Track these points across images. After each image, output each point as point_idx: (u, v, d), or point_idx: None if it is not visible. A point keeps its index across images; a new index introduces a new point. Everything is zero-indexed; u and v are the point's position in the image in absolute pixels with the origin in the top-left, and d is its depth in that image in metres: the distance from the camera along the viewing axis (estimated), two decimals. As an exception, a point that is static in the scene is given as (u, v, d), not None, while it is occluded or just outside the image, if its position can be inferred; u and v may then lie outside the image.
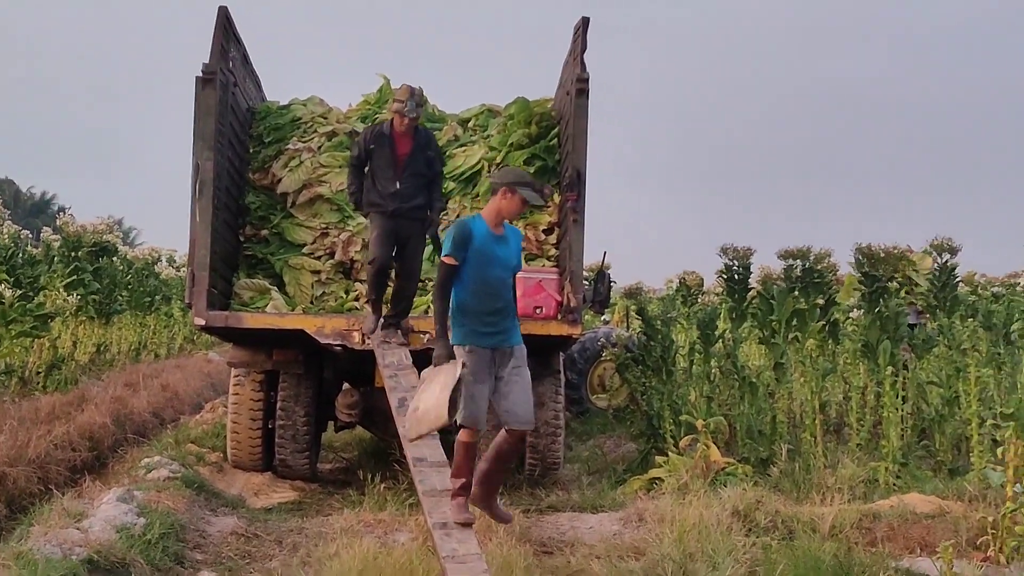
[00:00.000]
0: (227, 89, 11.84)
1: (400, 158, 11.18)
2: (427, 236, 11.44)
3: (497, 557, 8.21)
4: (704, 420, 11.92)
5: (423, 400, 8.06)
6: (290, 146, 12.97)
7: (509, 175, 8.27)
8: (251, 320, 11.41)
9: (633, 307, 18.56)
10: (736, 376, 14.37)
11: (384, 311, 11.27)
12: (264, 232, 12.82)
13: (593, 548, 8.98)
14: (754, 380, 14.23)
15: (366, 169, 11.33)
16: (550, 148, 12.95)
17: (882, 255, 13.25)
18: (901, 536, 8.93)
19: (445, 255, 8.11)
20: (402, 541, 9.04)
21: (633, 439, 15.03)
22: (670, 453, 12.16)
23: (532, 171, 12.69)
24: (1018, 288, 22.18)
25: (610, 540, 9.27)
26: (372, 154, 11.22)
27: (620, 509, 10.50)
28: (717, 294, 23.94)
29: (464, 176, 13.10)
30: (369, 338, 10.94)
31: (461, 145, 13.44)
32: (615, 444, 15.67)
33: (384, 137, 11.19)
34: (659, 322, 15.08)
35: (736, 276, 16.13)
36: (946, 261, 16.74)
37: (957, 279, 18.00)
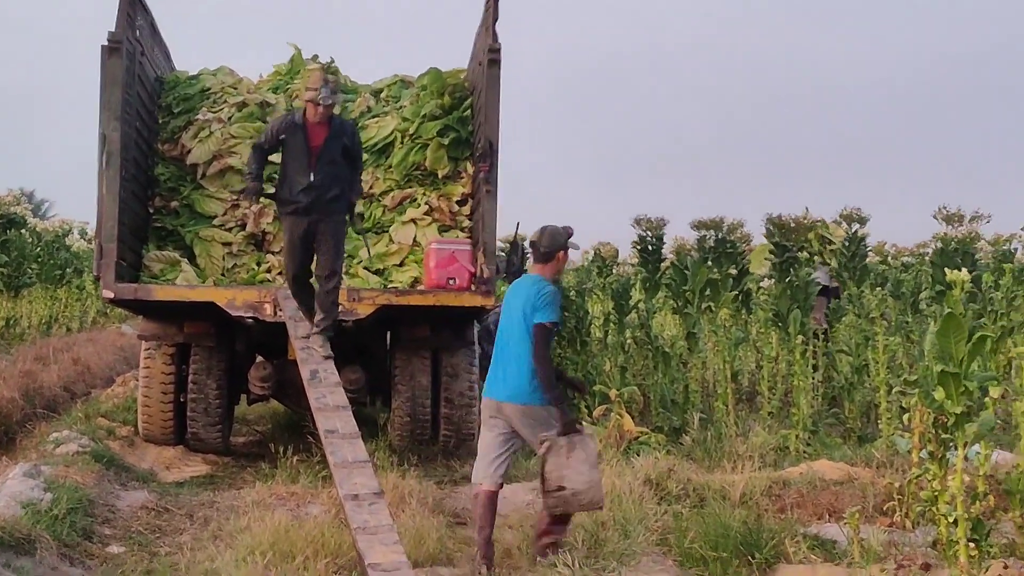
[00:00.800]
0: (134, 58, 11.63)
1: (314, 149, 10.32)
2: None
3: (410, 528, 8.21)
4: (618, 390, 11.98)
5: (572, 480, 7.60)
6: (199, 117, 12.77)
7: (561, 236, 8.14)
8: (160, 292, 11.25)
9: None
10: (650, 346, 14.47)
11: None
12: (174, 204, 12.62)
13: (506, 518, 8.98)
14: (667, 350, 14.33)
15: (276, 161, 10.79)
16: (463, 119, 12.88)
17: (792, 225, 13.38)
18: (810, 503, 9.04)
19: (552, 321, 7.87)
20: (314, 514, 9.00)
21: (548, 409, 14.99)
22: (584, 422, 12.20)
23: (446, 143, 12.65)
24: (926, 258, 22.48)
25: (523, 510, 9.31)
26: (284, 145, 10.46)
27: (534, 479, 10.51)
28: (632, 265, 24.04)
29: (377, 147, 12.99)
30: (281, 311, 10.84)
31: (374, 116, 13.32)
32: (530, 414, 15.61)
33: (296, 127, 10.35)
34: (573, 293, 15.11)
35: (650, 247, 16.23)
36: (855, 231, 16.94)
37: (867, 249, 18.24)
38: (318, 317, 10.42)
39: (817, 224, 13.78)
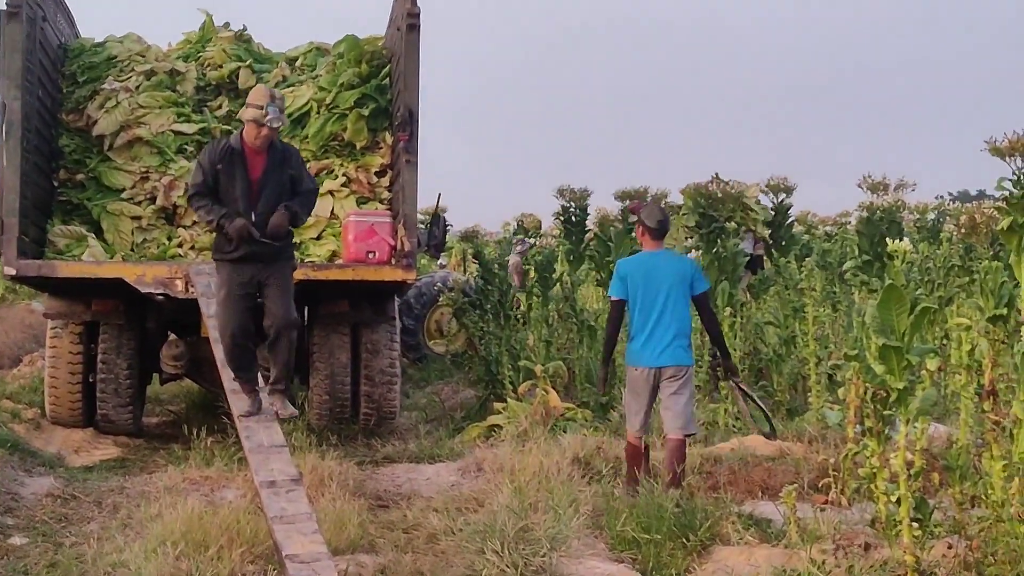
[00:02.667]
0: (35, 24, 11.13)
1: (255, 181, 8.71)
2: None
3: (330, 513, 7.90)
4: (542, 365, 11.72)
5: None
6: (106, 86, 12.24)
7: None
8: (66, 269, 10.82)
9: (470, 251, 18.24)
10: (574, 319, 14.22)
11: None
12: (80, 176, 12.11)
13: (431, 500, 8.75)
14: (592, 323, 14.09)
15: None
16: (382, 87, 12.52)
17: (719, 195, 13.15)
18: (743, 480, 8.84)
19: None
20: (229, 499, 8.69)
21: (472, 385, 14.79)
22: (509, 399, 11.97)
23: (366, 113, 12.26)
24: (848, 227, 22.44)
25: (448, 491, 9.05)
26: (218, 177, 8.66)
27: (458, 459, 10.29)
28: (555, 236, 23.79)
29: (293, 117, 12.58)
30: (193, 287, 10.41)
31: (289, 85, 12.91)
32: (453, 391, 15.39)
33: (234, 154, 8.66)
34: (496, 266, 14.81)
35: (573, 218, 15.96)
36: (781, 200, 16.80)
37: (791, 219, 18.12)
38: (274, 374, 8.92)
39: (743, 191, 13.48)
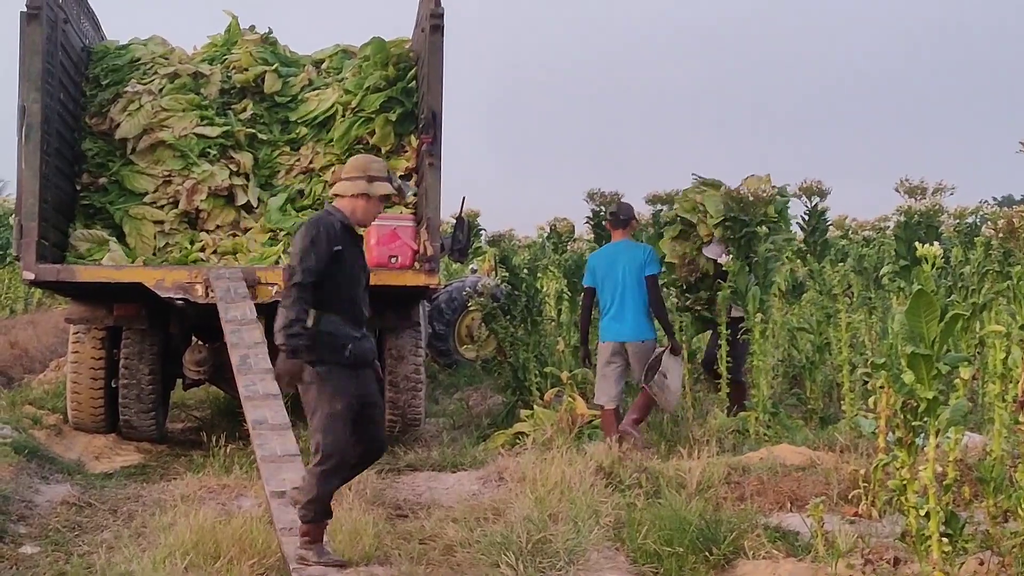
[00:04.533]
0: (56, 26, 11.04)
1: (367, 267, 7.49)
2: None
3: (346, 523, 7.71)
4: (569, 372, 11.52)
5: (673, 379, 11.00)
6: (129, 89, 12.10)
7: (631, 206, 11.53)
8: (85, 273, 10.72)
9: (497, 255, 18.08)
10: (604, 326, 14.00)
11: None
12: (102, 180, 11.98)
13: (450, 510, 8.53)
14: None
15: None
16: (408, 90, 12.35)
17: (751, 199, 12.85)
18: (771, 490, 8.60)
19: (659, 271, 11.14)
20: (245, 507, 8.50)
21: (500, 391, 14.61)
22: (535, 406, 11.77)
23: (394, 118, 12.10)
24: (887, 231, 22.10)
25: (468, 501, 8.84)
26: (336, 261, 6.97)
27: (481, 467, 10.09)
28: (587, 241, 23.53)
29: (318, 121, 12.48)
30: (213, 292, 10.28)
31: (314, 88, 12.79)
32: (482, 397, 15.23)
33: (351, 234, 7.23)
34: (524, 270, 14.62)
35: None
36: (816, 204, 16.51)
37: (828, 223, 17.81)
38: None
39: (776, 194, 12.85)
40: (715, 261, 11.83)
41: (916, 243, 6.47)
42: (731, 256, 11.66)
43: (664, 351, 10.88)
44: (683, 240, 12.34)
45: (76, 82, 12.05)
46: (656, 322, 11.07)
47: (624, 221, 11.16)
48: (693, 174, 12.42)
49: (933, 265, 6.08)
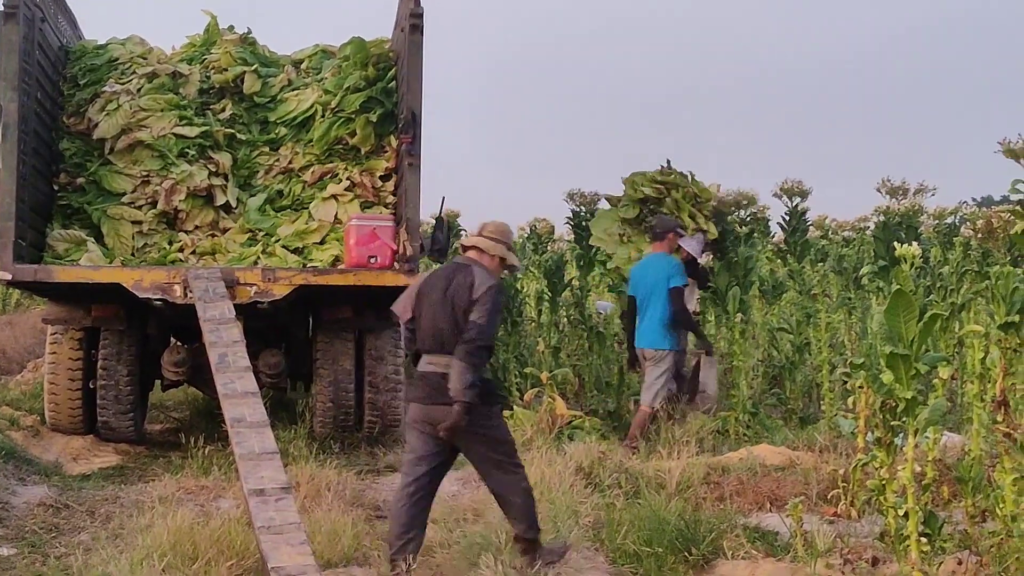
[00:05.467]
0: (33, 24, 10.96)
1: None
2: None
3: (324, 524, 7.72)
4: (549, 372, 11.53)
5: (710, 387, 11.73)
6: (107, 88, 12.03)
7: (671, 221, 11.56)
8: (63, 274, 10.64)
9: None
10: (584, 326, 14.01)
11: None
12: (80, 180, 11.89)
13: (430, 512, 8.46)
14: (602, 330, 13.87)
15: None
16: (388, 90, 12.31)
17: (731, 200, 12.89)
18: (750, 490, 8.62)
19: (684, 284, 11.25)
20: (224, 508, 8.48)
21: (480, 392, 14.54)
22: (516, 407, 11.76)
23: (374, 119, 12.06)
24: (867, 232, 22.16)
25: (447, 502, 8.79)
26: None
27: (460, 468, 10.02)
28: (567, 241, 23.52)
29: (297, 121, 12.43)
30: (191, 292, 10.23)
31: (294, 89, 12.74)
32: (462, 398, 15.16)
33: None
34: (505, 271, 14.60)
35: (583, 222, 15.72)
36: (796, 205, 16.55)
37: (808, 223, 17.84)
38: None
39: (745, 196, 12.80)
40: (690, 255, 11.80)
41: (895, 243, 6.48)
42: (709, 256, 11.67)
43: (698, 361, 11.56)
44: (635, 225, 12.44)
45: (54, 81, 11.98)
46: (677, 333, 11.29)
47: (660, 234, 11.39)
48: (666, 159, 12.44)
49: (912, 265, 6.09)
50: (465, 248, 7.29)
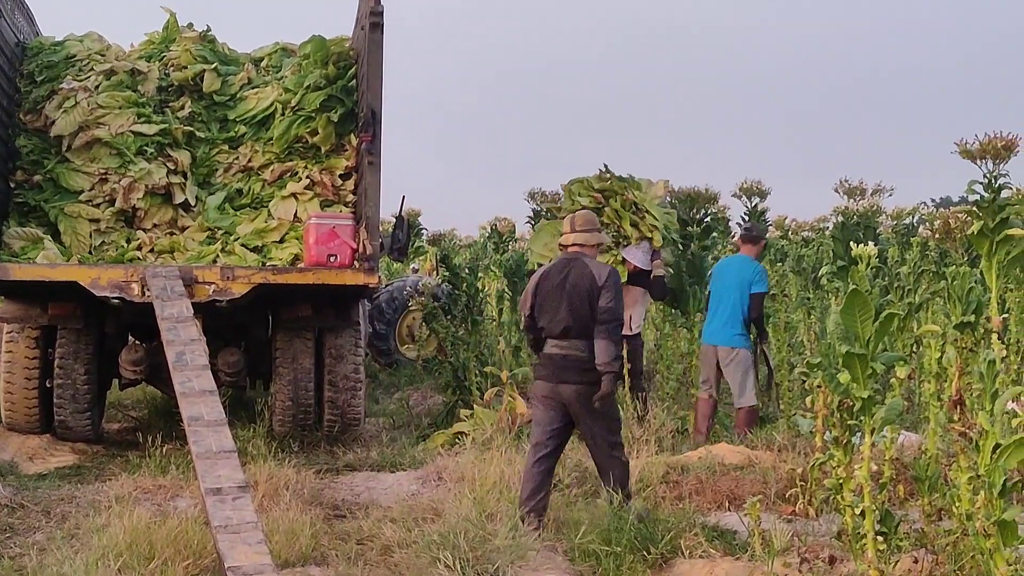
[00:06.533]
0: None
1: None
2: None
3: (282, 523, 7.69)
4: (509, 371, 11.51)
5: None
6: (64, 85, 11.94)
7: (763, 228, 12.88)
8: (18, 272, 10.54)
9: (438, 254, 18.07)
10: (544, 325, 13.98)
11: None
12: (37, 178, 11.81)
13: (388, 510, 8.50)
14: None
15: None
16: (348, 89, 12.29)
17: (697, 197, 12.95)
18: (709, 489, 8.64)
19: (764, 291, 11.59)
20: (181, 508, 8.42)
21: (440, 391, 14.57)
22: (476, 406, 11.74)
23: (336, 119, 12.03)
24: (826, 232, 22.27)
25: (407, 501, 8.81)
26: None
27: (420, 467, 10.08)
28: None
29: (256, 119, 12.40)
30: (149, 290, 10.16)
31: (254, 87, 12.70)
32: (422, 396, 15.21)
33: None
34: (466, 270, 14.60)
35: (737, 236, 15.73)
36: (755, 204, 16.60)
37: (768, 223, 17.92)
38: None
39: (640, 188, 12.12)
40: (636, 266, 11.43)
41: (853, 243, 6.51)
42: (662, 262, 11.44)
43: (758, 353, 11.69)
44: None
45: (10, 78, 11.89)
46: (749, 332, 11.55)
47: (754, 238, 11.84)
48: (604, 164, 11.90)
49: (868, 265, 6.12)
50: (564, 246, 8.29)
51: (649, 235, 11.51)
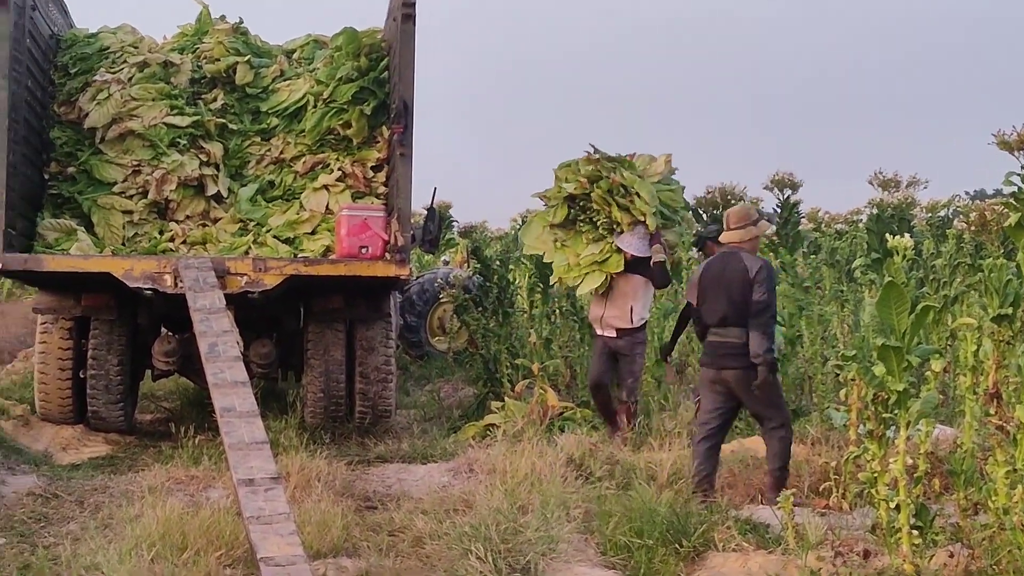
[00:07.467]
0: (24, 12, 10.90)
1: None
2: None
3: (314, 515, 7.69)
4: (540, 363, 11.48)
5: None
6: (98, 78, 11.98)
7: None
8: (52, 263, 10.58)
9: (470, 246, 18.04)
10: (575, 317, 13.97)
11: None
12: (71, 169, 11.85)
13: (420, 502, 8.49)
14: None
15: None
16: (380, 81, 12.27)
17: (719, 200, 12.89)
18: (742, 483, 8.64)
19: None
20: (214, 499, 8.43)
21: (471, 383, 14.57)
22: (507, 398, 11.73)
23: (368, 111, 12.03)
24: (860, 224, 22.16)
25: (438, 493, 8.80)
26: None
27: (451, 459, 10.06)
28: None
29: (289, 111, 12.39)
30: (182, 282, 10.18)
31: (286, 79, 12.69)
32: (453, 389, 15.21)
33: None
34: (497, 262, 14.57)
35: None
36: (788, 197, 16.53)
37: (800, 216, 17.84)
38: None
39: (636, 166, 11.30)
40: (633, 255, 10.77)
41: (888, 236, 6.46)
42: (662, 246, 10.72)
43: None
44: (567, 228, 11.28)
45: (44, 70, 11.93)
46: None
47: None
48: (590, 144, 11.08)
49: (904, 257, 6.07)
50: (721, 243, 8.91)
51: (642, 218, 10.69)
